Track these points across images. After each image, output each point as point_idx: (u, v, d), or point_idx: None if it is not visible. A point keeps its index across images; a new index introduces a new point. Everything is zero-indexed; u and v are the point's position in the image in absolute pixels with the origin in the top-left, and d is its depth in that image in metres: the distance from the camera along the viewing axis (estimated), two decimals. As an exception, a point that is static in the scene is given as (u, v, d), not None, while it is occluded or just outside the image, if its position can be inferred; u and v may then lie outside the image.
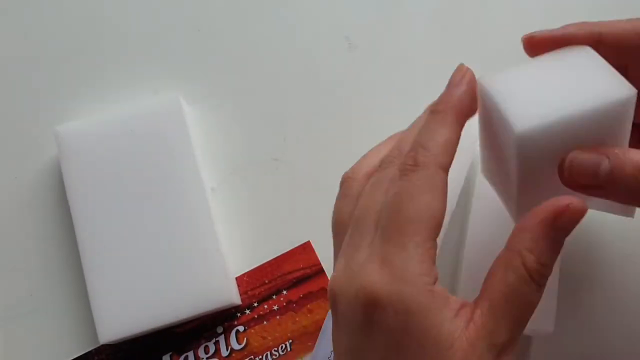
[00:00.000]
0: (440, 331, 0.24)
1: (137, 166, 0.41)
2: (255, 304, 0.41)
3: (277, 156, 0.44)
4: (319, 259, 0.42)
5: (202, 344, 0.41)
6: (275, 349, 0.40)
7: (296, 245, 0.42)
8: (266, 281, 0.42)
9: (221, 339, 0.41)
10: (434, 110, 0.28)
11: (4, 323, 0.42)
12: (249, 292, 0.41)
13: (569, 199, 0.25)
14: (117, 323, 0.38)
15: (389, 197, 0.26)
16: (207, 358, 0.40)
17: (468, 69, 0.29)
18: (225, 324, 0.41)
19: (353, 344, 0.25)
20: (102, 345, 0.40)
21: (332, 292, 0.27)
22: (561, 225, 0.25)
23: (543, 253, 0.25)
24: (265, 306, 0.41)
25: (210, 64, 0.46)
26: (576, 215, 0.25)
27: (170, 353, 0.40)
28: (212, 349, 0.40)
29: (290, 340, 0.40)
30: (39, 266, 0.43)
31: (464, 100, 0.28)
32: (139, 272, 0.39)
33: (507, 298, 0.25)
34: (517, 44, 0.41)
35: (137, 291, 0.39)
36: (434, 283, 0.25)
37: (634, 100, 0.25)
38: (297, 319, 0.41)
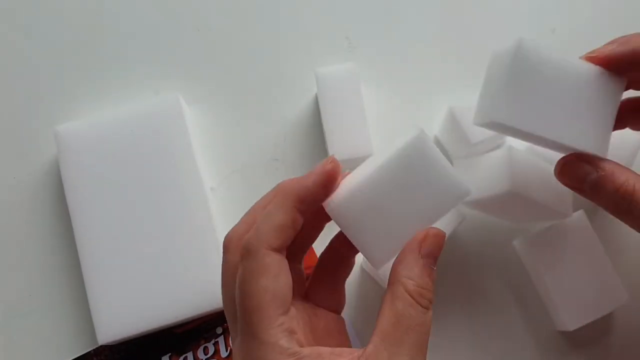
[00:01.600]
0: None
1: (137, 166, 0.41)
2: (255, 305, 0.41)
3: (277, 156, 0.44)
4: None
5: (201, 344, 0.40)
6: (275, 349, 0.40)
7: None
8: (266, 282, 0.41)
9: (220, 339, 0.40)
10: (276, 189, 0.30)
11: (4, 323, 0.42)
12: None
13: (424, 231, 0.28)
14: (116, 324, 0.38)
15: (237, 286, 0.28)
16: (206, 359, 0.40)
17: (333, 161, 0.30)
18: (225, 324, 0.41)
19: None
20: (101, 346, 0.40)
21: None
22: (428, 251, 0.28)
23: (419, 277, 0.27)
24: (265, 307, 0.41)
25: (210, 64, 0.46)
26: (437, 240, 0.28)
27: (170, 354, 0.40)
28: (211, 350, 0.40)
29: (290, 341, 0.40)
30: (38, 266, 0.43)
31: (310, 188, 0.29)
32: (138, 273, 0.39)
33: (398, 325, 0.26)
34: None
35: (136, 292, 0.39)
36: (301, 346, 0.27)
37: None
38: (296, 319, 0.40)
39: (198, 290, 0.39)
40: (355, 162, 0.40)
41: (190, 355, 0.40)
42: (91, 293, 0.39)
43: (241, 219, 0.31)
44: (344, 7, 0.47)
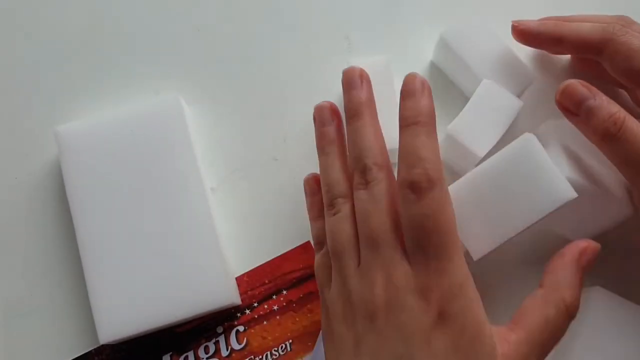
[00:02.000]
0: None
1: (137, 166, 0.41)
2: (255, 304, 0.41)
3: (277, 156, 0.44)
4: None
5: (202, 343, 0.41)
6: (276, 348, 0.40)
7: (296, 245, 0.42)
8: (266, 281, 0.42)
9: (221, 339, 0.41)
10: (415, 122, 0.31)
11: (4, 323, 0.42)
12: (249, 292, 0.41)
13: (586, 242, 0.30)
14: (118, 323, 0.38)
15: (426, 212, 0.29)
16: (207, 358, 0.40)
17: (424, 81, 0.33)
18: (225, 324, 0.41)
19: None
20: (102, 345, 0.40)
21: None
22: (585, 263, 0.29)
23: (576, 288, 0.29)
24: (266, 306, 0.41)
25: (210, 64, 0.46)
26: (595, 253, 0.30)
27: (171, 353, 0.40)
28: (212, 349, 0.40)
29: (290, 340, 0.40)
30: (39, 266, 0.43)
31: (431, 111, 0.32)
32: (139, 272, 0.39)
33: (544, 329, 0.28)
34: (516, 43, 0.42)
35: (138, 291, 0.39)
36: None
37: None
38: (297, 319, 0.41)
39: (198, 289, 0.39)
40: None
41: (191, 355, 0.40)
42: (92, 292, 0.39)
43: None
44: (344, 7, 0.47)
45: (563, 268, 0.29)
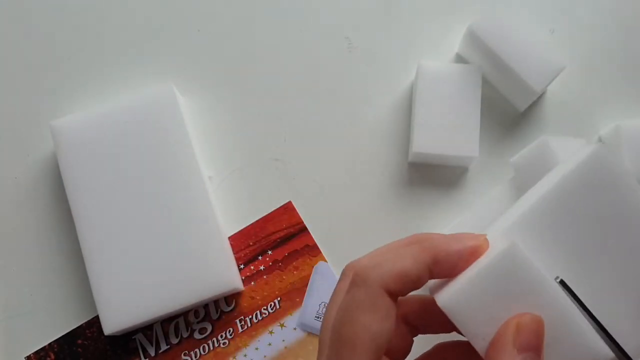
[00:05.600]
0: None
1: (134, 156, 0.40)
2: (242, 266, 0.42)
3: (277, 157, 0.44)
4: (302, 217, 0.42)
5: (192, 308, 0.41)
6: (265, 307, 0.41)
7: (277, 206, 0.43)
8: (251, 243, 0.42)
9: (210, 302, 0.41)
10: (414, 238, 0.27)
11: (5, 322, 0.42)
12: (234, 255, 0.42)
13: (521, 315, 0.24)
14: (121, 314, 0.38)
15: (338, 311, 0.25)
16: (197, 322, 0.41)
17: (486, 241, 0.26)
18: (214, 287, 0.41)
19: None
20: (94, 317, 0.41)
21: None
22: (525, 344, 0.23)
23: None
24: (252, 267, 0.42)
25: (209, 64, 0.46)
26: (535, 327, 0.23)
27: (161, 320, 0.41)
28: (202, 313, 0.41)
29: (279, 298, 0.41)
30: (39, 264, 0.42)
31: (451, 254, 0.25)
32: (141, 263, 0.39)
33: None
34: None
35: (140, 281, 0.39)
36: None
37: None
38: (284, 277, 0.42)
39: (202, 276, 0.39)
40: (441, 158, 0.41)
41: (181, 320, 0.41)
42: (95, 285, 0.39)
43: (369, 253, 0.27)
44: (344, 7, 0.46)
45: (497, 358, 0.23)
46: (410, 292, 0.25)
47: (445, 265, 0.25)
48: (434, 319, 0.27)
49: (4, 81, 0.45)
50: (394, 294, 0.25)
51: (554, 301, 0.24)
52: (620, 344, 0.24)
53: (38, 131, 0.44)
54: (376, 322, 0.24)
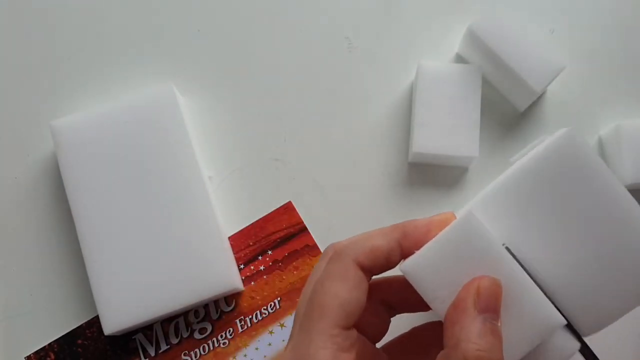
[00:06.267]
0: None
1: (134, 157, 0.40)
2: (242, 266, 0.42)
3: (277, 157, 0.44)
4: (302, 217, 0.42)
5: (192, 308, 0.41)
6: (265, 307, 0.41)
7: (277, 206, 0.43)
8: (251, 243, 0.42)
9: (210, 302, 0.41)
10: (396, 226, 0.28)
11: (5, 322, 0.42)
12: (234, 255, 0.42)
13: (479, 278, 0.25)
14: (122, 314, 0.38)
15: (312, 282, 0.27)
16: (197, 322, 0.41)
17: (452, 215, 0.27)
18: (214, 287, 0.41)
19: None
20: (94, 317, 0.41)
21: None
22: (484, 305, 0.24)
23: (480, 336, 0.23)
24: (252, 267, 0.42)
25: (209, 63, 0.46)
26: (493, 290, 0.24)
27: (161, 320, 0.41)
28: (202, 313, 0.41)
29: (279, 298, 0.41)
30: (39, 264, 0.42)
31: (419, 228, 0.27)
32: (141, 263, 0.39)
33: None
34: None
35: (140, 281, 0.39)
36: None
37: None
38: (284, 277, 0.42)
39: (202, 276, 0.39)
40: (441, 158, 0.41)
41: (181, 320, 0.41)
42: (95, 285, 0.39)
43: (350, 237, 0.29)
44: (344, 7, 0.46)
45: (456, 320, 0.24)
46: (383, 268, 0.27)
47: (414, 237, 0.27)
48: (409, 297, 0.28)
49: (4, 81, 0.45)
50: (367, 269, 0.27)
51: (509, 267, 0.25)
52: (563, 311, 0.26)
53: (38, 131, 0.44)
54: (345, 290, 0.26)
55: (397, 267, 0.28)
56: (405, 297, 0.29)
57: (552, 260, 0.26)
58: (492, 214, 0.27)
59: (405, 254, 0.27)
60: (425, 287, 0.26)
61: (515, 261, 0.25)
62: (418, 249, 0.26)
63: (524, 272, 0.25)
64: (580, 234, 0.26)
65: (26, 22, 0.46)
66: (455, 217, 0.28)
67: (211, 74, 0.45)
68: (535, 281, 0.25)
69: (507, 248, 0.26)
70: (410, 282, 0.26)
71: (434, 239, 0.26)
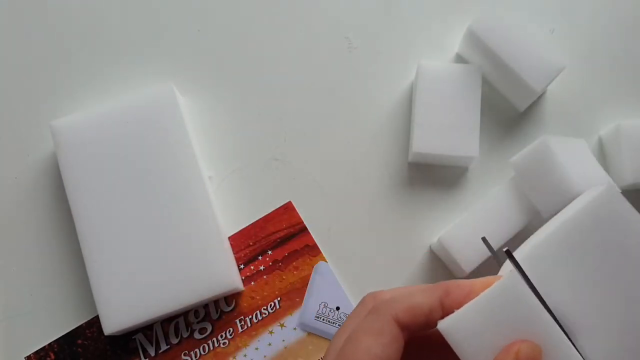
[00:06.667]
0: None
1: (134, 157, 0.40)
2: (242, 266, 0.42)
3: (277, 157, 0.44)
4: (302, 217, 0.42)
5: (192, 308, 0.41)
6: (265, 307, 0.41)
7: (277, 206, 0.43)
8: (251, 243, 0.42)
9: (210, 302, 0.41)
10: (438, 285, 0.27)
11: (5, 322, 0.42)
12: (234, 255, 0.42)
13: (520, 342, 0.24)
14: (122, 314, 0.38)
15: (346, 332, 0.27)
16: (197, 322, 0.41)
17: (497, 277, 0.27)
18: (214, 287, 0.41)
19: None
20: (94, 317, 0.41)
21: None
22: None
23: None
24: (252, 267, 0.42)
25: (209, 63, 0.46)
26: (533, 355, 0.24)
27: (161, 320, 0.41)
28: (202, 313, 0.41)
29: (279, 298, 0.41)
30: (39, 264, 0.42)
31: (463, 288, 0.27)
32: (141, 263, 0.39)
33: None
34: None
35: (140, 281, 0.39)
36: None
37: None
38: (283, 277, 0.42)
39: (202, 276, 0.39)
40: (441, 158, 0.41)
41: (181, 320, 0.41)
42: (95, 285, 0.39)
43: (392, 288, 0.29)
44: (344, 7, 0.46)
45: None
46: (422, 327, 0.26)
47: (456, 296, 0.26)
48: (446, 355, 0.27)
49: (4, 81, 0.45)
50: (405, 326, 0.26)
51: (551, 333, 0.25)
52: None
53: (38, 131, 0.44)
54: (379, 346, 0.25)
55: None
56: (443, 354, 0.28)
57: (596, 324, 0.26)
58: (537, 272, 0.27)
59: (445, 313, 0.26)
60: (464, 348, 0.25)
61: (557, 326, 0.25)
62: (459, 308, 0.26)
63: (567, 338, 0.25)
64: (625, 295, 0.26)
65: (26, 22, 0.46)
66: (499, 277, 0.27)
67: (211, 74, 0.45)
68: (575, 347, 0.25)
69: (549, 310, 0.26)
70: (448, 341, 0.25)
71: (475, 299, 0.26)
